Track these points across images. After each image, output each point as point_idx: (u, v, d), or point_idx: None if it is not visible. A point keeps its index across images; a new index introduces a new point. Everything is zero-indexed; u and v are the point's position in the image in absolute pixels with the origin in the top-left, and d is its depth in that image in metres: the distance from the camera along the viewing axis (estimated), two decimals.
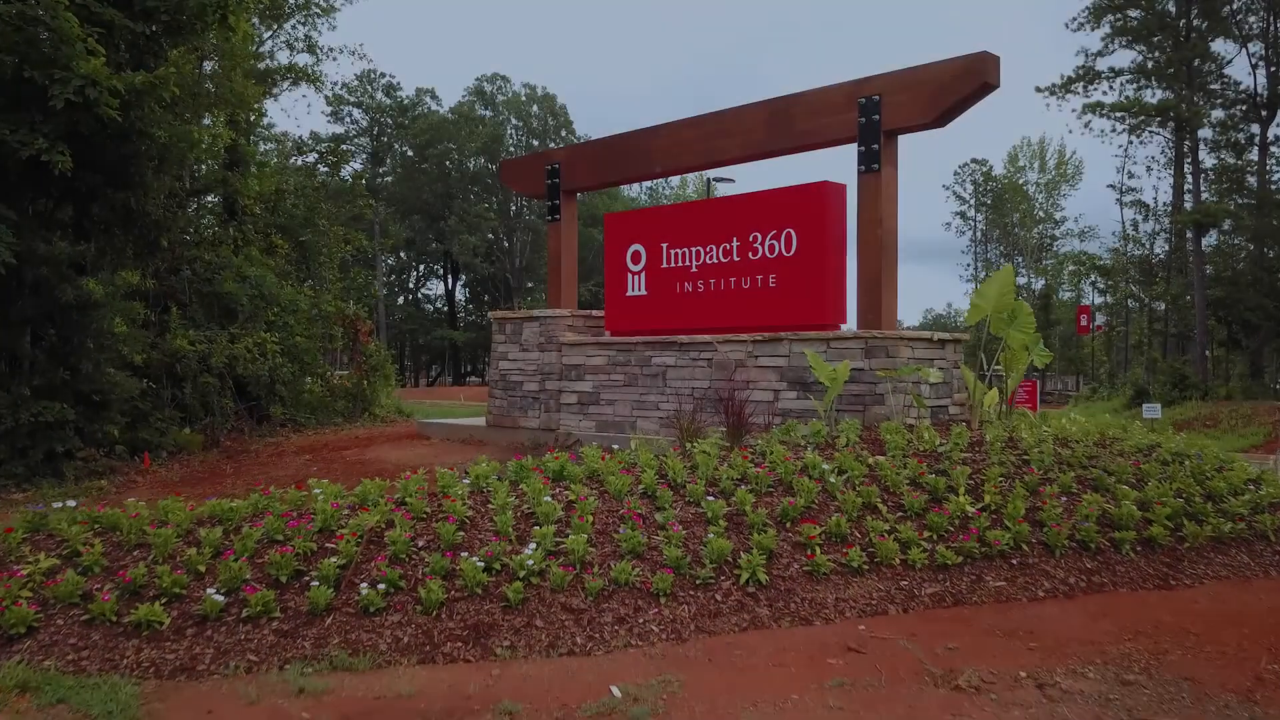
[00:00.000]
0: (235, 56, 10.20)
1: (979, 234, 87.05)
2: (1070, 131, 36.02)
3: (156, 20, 8.80)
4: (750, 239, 8.25)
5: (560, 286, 10.05)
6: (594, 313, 9.86)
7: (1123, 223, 42.63)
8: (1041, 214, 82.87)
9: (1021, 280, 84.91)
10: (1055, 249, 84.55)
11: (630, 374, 8.75)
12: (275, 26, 23.31)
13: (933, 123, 7.35)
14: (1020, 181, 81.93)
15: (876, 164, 7.48)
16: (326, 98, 22.96)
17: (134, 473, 9.82)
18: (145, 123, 8.46)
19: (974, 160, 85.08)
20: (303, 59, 20.47)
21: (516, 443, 9.61)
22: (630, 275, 9.27)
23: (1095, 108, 33.81)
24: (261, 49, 22.30)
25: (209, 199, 20.08)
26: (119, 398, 9.56)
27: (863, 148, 7.56)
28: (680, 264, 8.82)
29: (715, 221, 8.56)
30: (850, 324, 8.02)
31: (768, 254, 8.12)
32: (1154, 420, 30.33)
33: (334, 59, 23.24)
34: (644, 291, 9.15)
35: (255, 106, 13.11)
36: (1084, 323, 60.78)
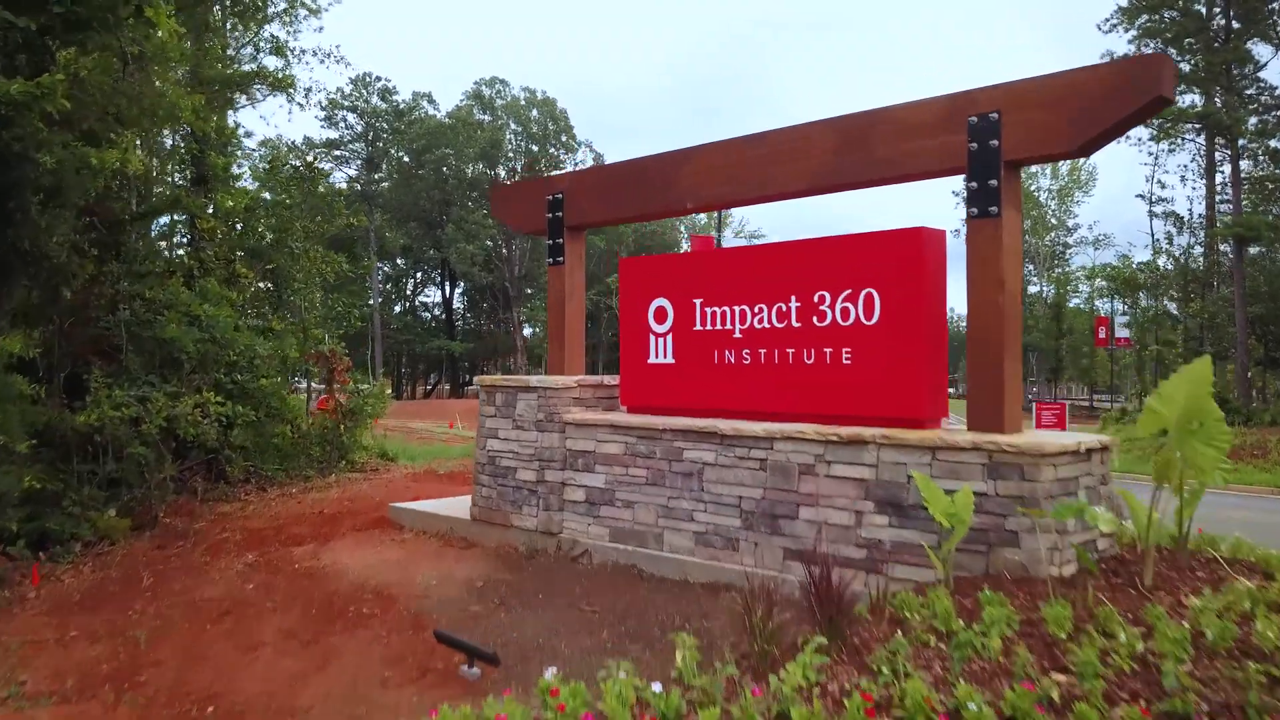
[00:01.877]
0: (166, 60, 8.29)
1: None
2: None
3: (47, 13, 6.84)
4: (816, 299, 6.28)
5: (564, 347, 8.07)
6: (607, 380, 7.88)
7: (1151, 234, 40.61)
8: (1054, 221, 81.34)
9: (1034, 289, 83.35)
10: (1068, 257, 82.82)
11: (655, 470, 6.77)
12: (256, 29, 21.41)
13: (1074, 151, 5.39)
14: (1032, 188, 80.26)
15: (994, 206, 5.51)
16: (300, 105, 20.91)
17: (28, 582, 7.84)
18: (25, 144, 6.50)
19: None
20: (273, 62, 18.50)
21: (508, 546, 7.64)
22: (653, 338, 7.30)
23: None
24: (242, 52, 20.38)
25: (168, 221, 18.15)
26: (7, 489, 7.60)
27: (973, 184, 5.60)
28: (720, 326, 6.85)
29: (767, 274, 6.59)
30: (950, 419, 6.06)
31: (840, 320, 6.15)
32: None
33: (307, 64, 21.14)
34: (670, 359, 7.18)
35: (196, 118, 11.11)
36: (1102, 335, 58.95)
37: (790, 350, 6.39)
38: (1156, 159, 37.19)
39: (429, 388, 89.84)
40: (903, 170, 6.00)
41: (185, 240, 15.73)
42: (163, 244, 16.84)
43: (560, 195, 8.08)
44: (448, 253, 65.35)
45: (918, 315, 5.82)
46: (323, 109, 62.47)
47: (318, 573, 7.40)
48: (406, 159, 67.60)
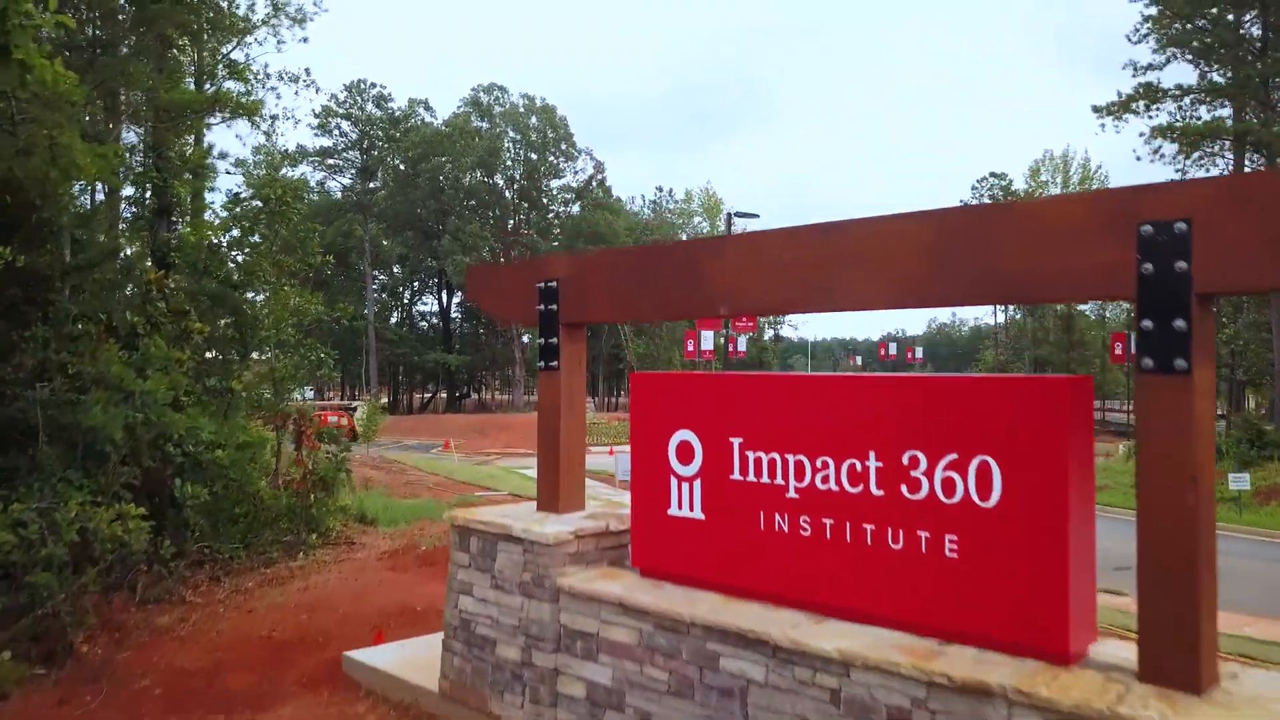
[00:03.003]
0: (60, 105, 6.61)
1: None
2: (1139, 159, 32.30)
3: None
4: (906, 461, 4.57)
5: (558, 475, 6.35)
6: (614, 524, 6.14)
7: None
8: None
9: None
10: None
11: (680, 675, 5.05)
12: (236, 42, 19.73)
13: None
14: (1039, 195, 78.74)
15: (1181, 358, 3.79)
16: (266, 134, 19.09)
17: None
18: None
19: (992, 174, 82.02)
20: (241, 86, 16.81)
21: None
22: (675, 481, 5.59)
23: (1166, 131, 30.12)
24: (216, 71, 18.67)
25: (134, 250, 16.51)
26: None
27: (1148, 323, 3.87)
28: (767, 479, 5.13)
29: (835, 415, 4.88)
30: (1106, 648, 4.33)
31: (941, 495, 4.44)
32: (1242, 491, 26.42)
33: (273, 88, 19.34)
34: (699, 514, 5.46)
35: (102, 170, 9.42)
36: (1119, 351, 57.30)
37: (869, 527, 4.68)
38: (1184, 174, 35.40)
39: (426, 397, 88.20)
40: (1034, 292, 4.30)
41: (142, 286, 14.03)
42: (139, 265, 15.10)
43: (555, 284, 6.36)
44: (444, 263, 63.77)
45: (1058, 502, 4.10)
46: (315, 116, 60.83)
47: None
48: (402, 167, 65.99)
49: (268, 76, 17.90)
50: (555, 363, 6.38)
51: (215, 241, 16.04)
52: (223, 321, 13.67)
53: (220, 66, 17.93)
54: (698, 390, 5.59)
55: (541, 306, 6.42)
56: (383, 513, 16.80)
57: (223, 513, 12.53)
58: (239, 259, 15.58)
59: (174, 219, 17.46)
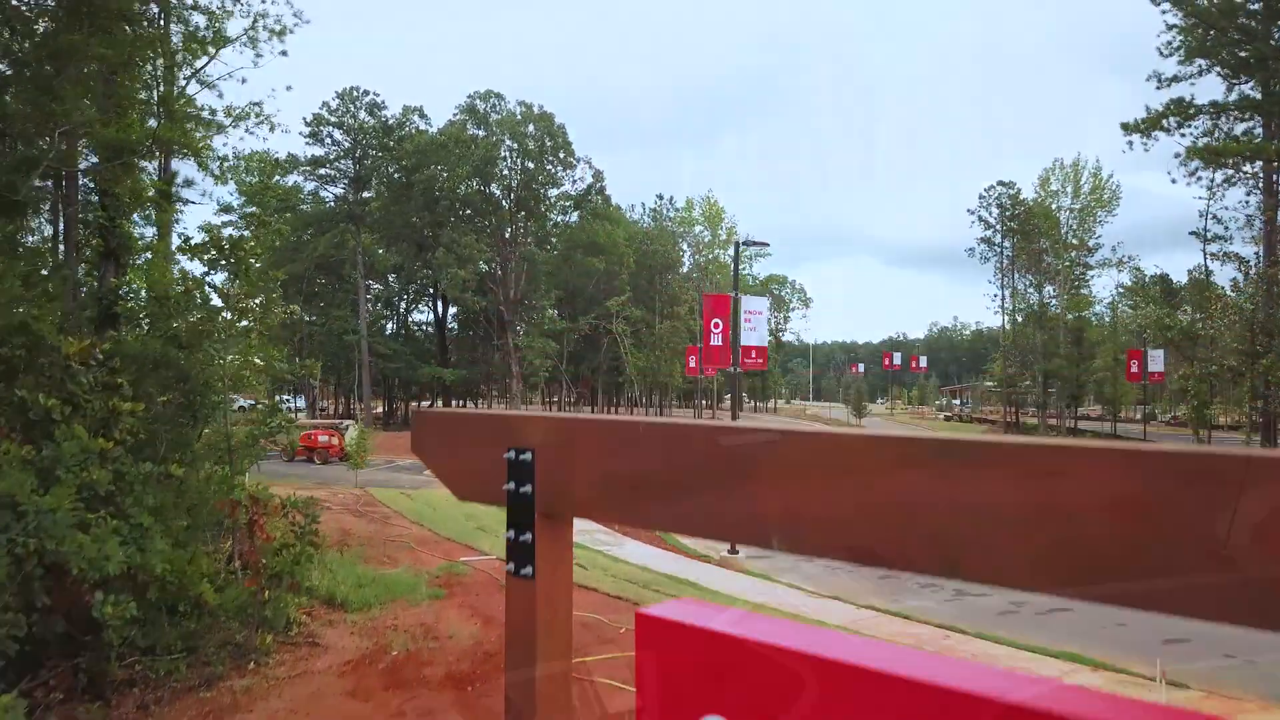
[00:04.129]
0: None
1: (1005, 260, 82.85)
2: (1174, 182, 30.76)
3: None
4: None
5: None
6: None
7: (1206, 270, 37.02)
8: (1075, 240, 78.47)
9: (1056, 311, 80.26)
10: (1089, 278, 79.84)
11: None
12: (206, 59, 17.96)
13: None
14: (1053, 206, 77.26)
15: None
16: (215, 176, 17.31)
17: None
18: None
19: (1000, 183, 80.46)
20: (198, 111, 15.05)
21: None
22: None
23: (1203, 153, 28.29)
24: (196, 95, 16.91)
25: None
26: None
27: None
28: None
29: None
30: None
31: None
32: None
33: (219, 126, 17.21)
34: None
35: None
36: (1134, 369, 55.56)
37: None
38: (1212, 192, 33.58)
39: (424, 407, 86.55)
40: None
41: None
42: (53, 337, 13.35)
43: (529, 455, 4.53)
44: (439, 276, 62.15)
45: None
46: (307, 124, 59.15)
47: None
48: (397, 176, 64.35)
49: (214, 112, 15.93)
50: (529, 569, 4.54)
51: (175, 275, 14.35)
52: (162, 399, 11.87)
53: (179, 97, 16.18)
54: (739, 659, 3.77)
55: (510, 485, 4.59)
56: (354, 592, 15.02)
57: (169, 602, 10.81)
58: (189, 313, 13.81)
59: (124, 261, 15.70)
